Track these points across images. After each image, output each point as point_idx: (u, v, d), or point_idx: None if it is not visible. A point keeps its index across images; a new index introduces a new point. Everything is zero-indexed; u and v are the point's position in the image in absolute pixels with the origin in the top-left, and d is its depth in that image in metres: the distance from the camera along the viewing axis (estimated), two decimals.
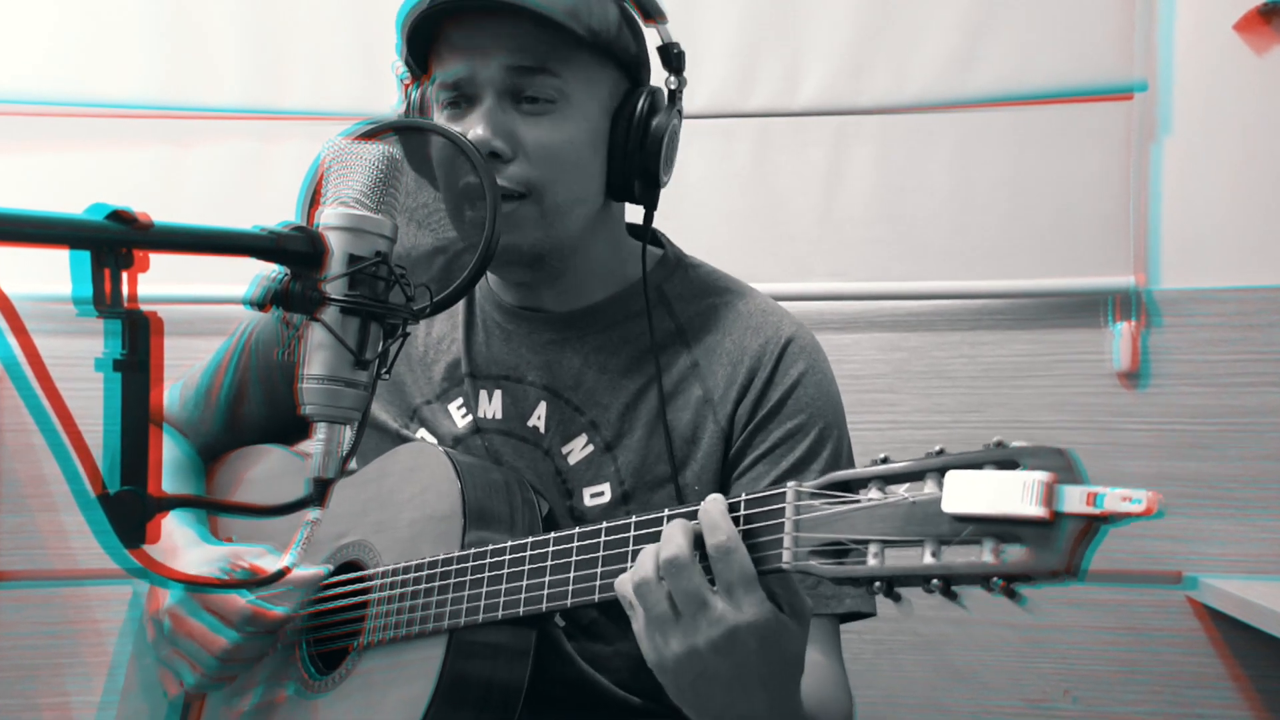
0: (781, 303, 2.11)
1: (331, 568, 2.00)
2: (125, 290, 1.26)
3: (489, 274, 2.11)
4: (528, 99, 1.91)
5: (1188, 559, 3.09)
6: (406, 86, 2.03)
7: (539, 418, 2.05)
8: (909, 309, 3.16)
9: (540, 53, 1.89)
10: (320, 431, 1.45)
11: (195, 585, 1.92)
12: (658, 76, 2.04)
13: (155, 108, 3.21)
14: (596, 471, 2.01)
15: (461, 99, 1.94)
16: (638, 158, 1.98)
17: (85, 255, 1.25)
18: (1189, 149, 3.10)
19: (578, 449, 2.02)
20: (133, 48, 3.21)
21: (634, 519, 1.67)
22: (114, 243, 1.25)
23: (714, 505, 1.55)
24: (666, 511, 1.64)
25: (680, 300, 2.09)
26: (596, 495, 2.00)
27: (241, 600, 1.93)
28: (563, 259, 2.00)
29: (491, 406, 2.07)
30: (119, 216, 1.26)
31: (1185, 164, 3.10)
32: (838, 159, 3.16)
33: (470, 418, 2.08)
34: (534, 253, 1.96)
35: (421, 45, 1.96)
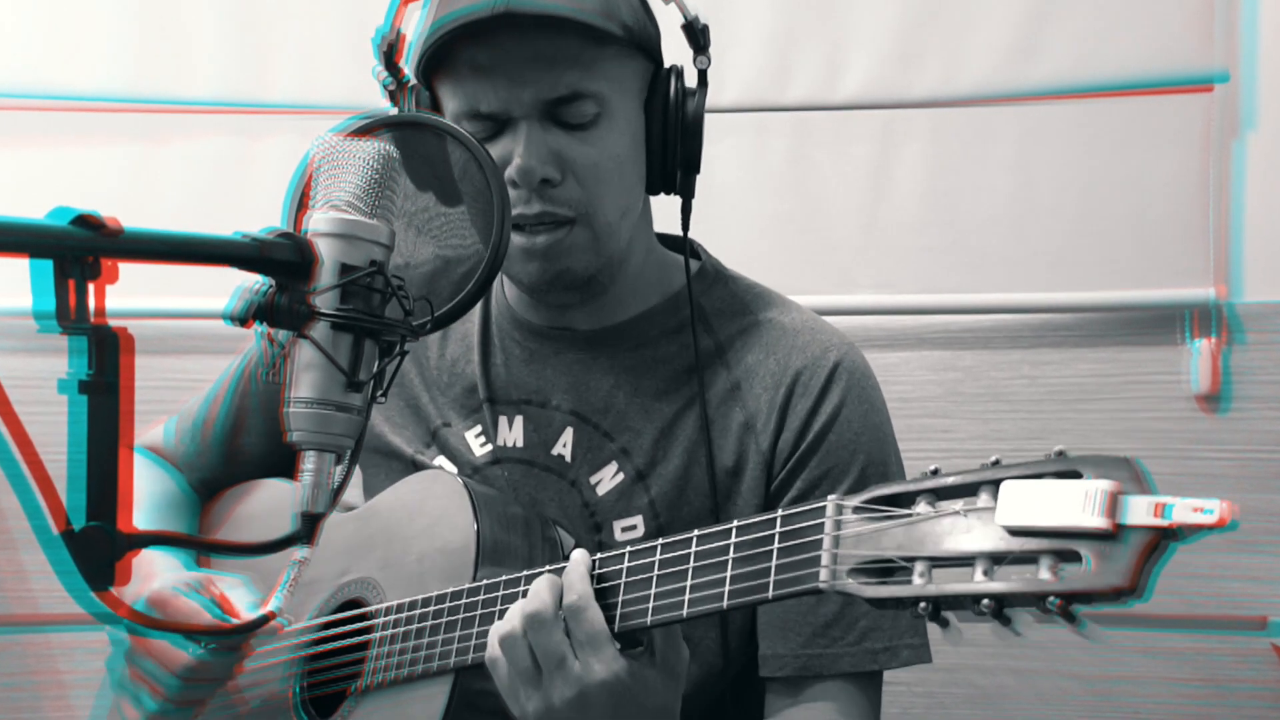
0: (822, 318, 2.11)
1: (315, 618, 2.01)
2: (92, 303, 1.25)
3: (511, 292, 2.13)
4: (571, 124, 1.92)
5: (1273, 603, 3.08)
6: (393, 93, 2.03)
7: (564, 445, 2.06)
8: (964, 324, 3.15)
9: (574, 75, 1.89)
10: (308, 461, 1.45)
11: (163, 630, 1.92)
12: (681, 55, 2.04)
13: (125, 101, 3.22)
14: (628, 503, 2.02)
15: (491, 123, 1.93)
16: (678, 147, 2.00)
17: (47, 265, 1.24)
18: (1275, 145, 3.10)
19: (607, 478, 2.03)
20: (100, 35, 3.22)
21: (660, 542, 1.68)
22: (79, 251, 1.25)
23: (574, 566, 1.69)
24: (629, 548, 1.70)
25: (720, 316, 2.10)
26: (628, 530, 2.01)
27: (206, 613, 1.94)
28: (612, 276, 2.03)
29: (512, 434, 2.08)
30: (85, 221, 1.26)
31: (1270, 162, 3.10)
32: (884, 157, 3.16)
33: (490, 447, 2.09)
34: (587, 276, 1.99)
35: (432, 61, 1.95)
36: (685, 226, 2.07)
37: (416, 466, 2.11)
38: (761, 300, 2.13)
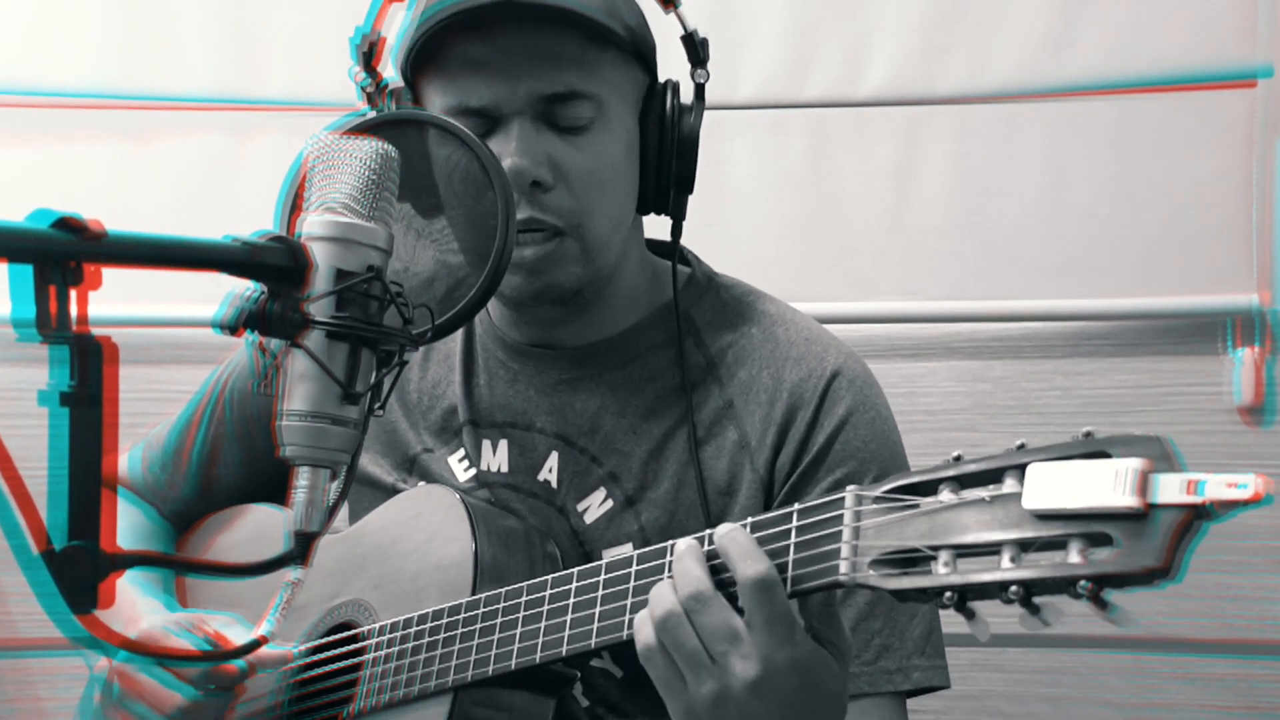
0: (843, 326, 2.11)
1: (302, 645, 2.00)
2: (74, 311, 1.25)
3: (494, 307, 2.12)
4: (565, 127, 1.93)
5: None
6: (371, 96, 2.04)
7: (550, 470, 2.05)
8: (993, 333, 3.15)
9: (572, 73, 1.91)
10: (302, 477, 1.44)
11: (154, 655, 1.92)
12: (678, 69, 2.05)
13: (110, 97, 3.22)
14: (617, 530, 2.01)
15: (482, 119, 1.94)
16: (673, 165, 2.01)
17: (27, 270, 1.24)
18: None
19: (595, 505, 2.03)
20: (85, 28, 3.22)
21: (670, 544, 1.68)
22: (61, 255, 1.25)
23: (741, 533, 1.59)
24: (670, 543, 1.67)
25: (711, 328, 2.09)
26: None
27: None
28: (599, 291, 2.03)
29: (496, 458, 2.08)
30: (67, 224, 1.26)
31: None
32: (908, 156, 3.15)
33: (473, 471, 2.08)
34: (574, 290, 1.99)
35: (421, 54, 1.96)
36: (675, 241, 2.07)
37: (396, 494, 2.10)
38: (755, 309, 2.12)
